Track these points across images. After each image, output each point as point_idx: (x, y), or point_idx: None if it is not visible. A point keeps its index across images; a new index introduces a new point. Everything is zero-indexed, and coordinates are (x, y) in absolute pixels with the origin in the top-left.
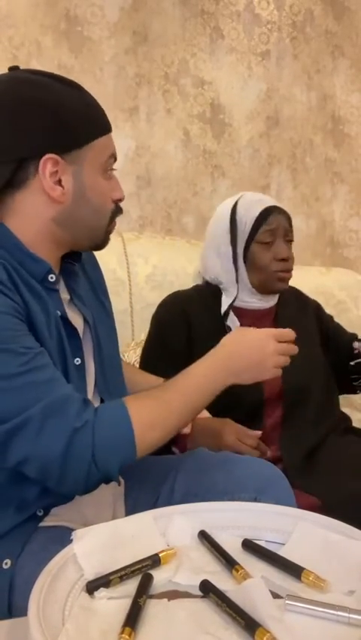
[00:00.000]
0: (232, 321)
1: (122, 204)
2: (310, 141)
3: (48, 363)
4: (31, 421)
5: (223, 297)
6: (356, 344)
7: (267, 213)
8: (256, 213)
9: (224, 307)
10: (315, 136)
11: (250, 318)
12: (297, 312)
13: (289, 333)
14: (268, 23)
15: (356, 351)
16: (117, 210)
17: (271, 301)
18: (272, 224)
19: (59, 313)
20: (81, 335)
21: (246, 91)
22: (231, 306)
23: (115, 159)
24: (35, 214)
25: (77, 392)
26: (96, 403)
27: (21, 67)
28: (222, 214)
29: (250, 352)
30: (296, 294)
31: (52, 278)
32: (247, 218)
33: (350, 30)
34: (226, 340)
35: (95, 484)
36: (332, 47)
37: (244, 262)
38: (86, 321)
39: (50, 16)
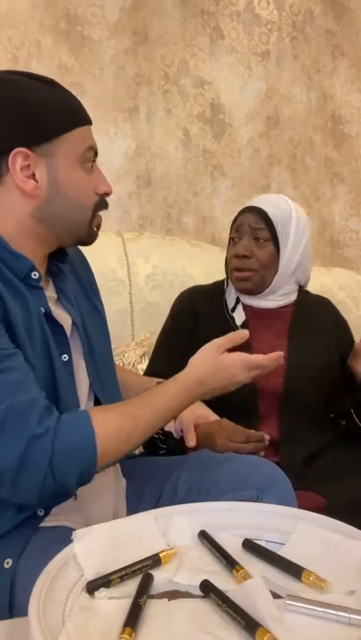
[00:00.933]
0: (239, 313)
1: (122, 204)
2: (310, 141)
3: (19, 365)
4: None
5: (227, 292)
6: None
7: (240, 212)
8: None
9: (229, 301)
10: (315, 136)
11: (261, 316)
12: (318, 317)
13: (266, 362)
14: (268, 23)
15: None
16: (101, 204)
17: (272, 301)
18: (237, 221)
19: (42, 310)
20: (68, 333)
21: (246, 91)
22: (238, 302)
23: (95, 153)
24: (13, 210)
25: (63, 389)
26: (91, 403)
27: (20, 68)
28: None
29: (220, 379)
30: (325, 303)
31: (35, 275)
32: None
33: (350, 30)
34: (197, 363)
35: (49, 496)
36: (332, 47)
37: None
38: (73, 321)
39: (50, 16)
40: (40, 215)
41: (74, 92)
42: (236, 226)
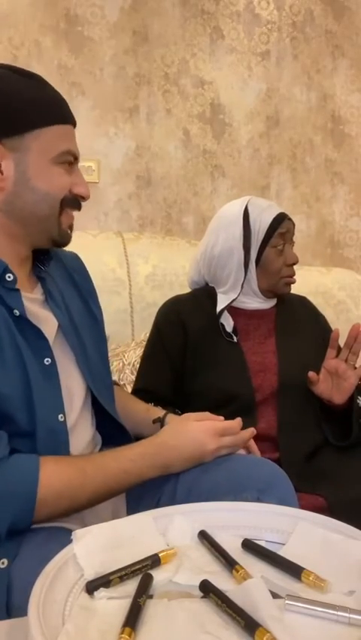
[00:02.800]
0: (226, 319)
1: (122, 204)
2: (310, 141)
3: None
4: None
5: (219, 298)
6: None
7: (280, 218)
8: (270, 219)
9: (220, 307)
10: (315, 136)
11: (247, 317)
12: (299, 314)
13: (234, 425)
14: (268, 23)
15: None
16: (72, 201)
17: (270, 302)
18: (283, 229)
19: (17, 313)
20: (52, 335)
21: (246, 91)
22: (226, 306)
23: (75, 158)
24: None
25: (44, 393)
26: (88, 406)
27: (20, 68)
28: (232, 219)
29: (188, 447)
30: (304, 301)
31: (9, 277)
32: (261, 223)
33: (350, 30)
34: (164, 431)
35: None
36: (332, 47)
37: (256, 266)
38: (60, 324)
39: (50, 16)
40: (8, 208)
41: (73, 92)
42: (283, 234)
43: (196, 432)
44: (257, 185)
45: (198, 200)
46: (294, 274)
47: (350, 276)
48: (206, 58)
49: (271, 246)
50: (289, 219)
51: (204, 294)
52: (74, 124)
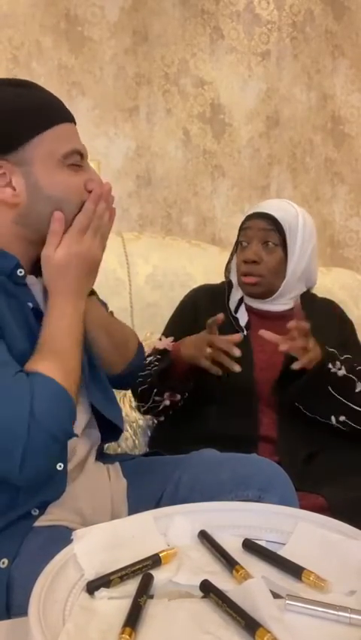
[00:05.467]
0: (242, 314)
1: (122, 204)
2: (310, 141)
3: None
4: None
5: (233, 292)
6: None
7: (250, 216)
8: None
9: (232, 302)
10: (315, 136)
11: (261, 317)
12: (321, 319)
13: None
14: (268, 23)
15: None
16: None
17: (277, 305)
18: (245, 225)
19: (30, 305)
20: None
21: (246, 91)
22: (242, 302)
23: (82, 155)
24: None
25: None
26: (84, 394)
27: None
28: None
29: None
30: (331, 306)
31: (20, 272)
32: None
33: (350, 30)
34: None
35: (41, 456)
36: (332, 47)
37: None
38: None
39: (50, 16)
40: (25, 221)
41: (73, 92)
42: (245, 230)
43: None
44: (257, 185)
45: (198, 200)
46: (249, 273)
47: (350, 276)
48: (206, 58)
49: (238, 242)
50: (263, 218)
51: (224, 289)
52: (72, 121)
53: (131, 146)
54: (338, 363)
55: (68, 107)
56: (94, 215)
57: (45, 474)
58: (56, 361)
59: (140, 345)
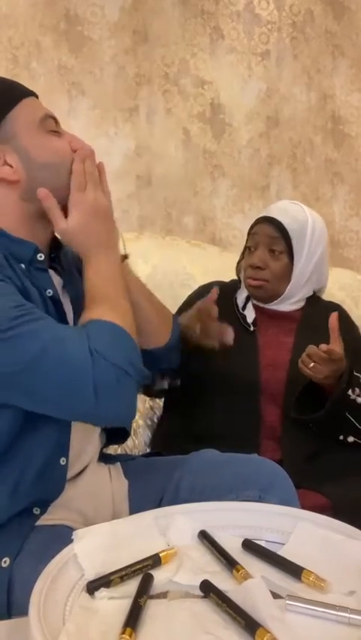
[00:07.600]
0: (249, 311)
1: (121, 204)
2: (310, 141)
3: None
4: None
5: (241, 290)
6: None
7: (257, 221)
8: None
9: (239, 300)
10: (315, 136)
11: (269, 316)
12: (324, 321)
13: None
14: (268, 23)
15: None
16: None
17: (284, 306)
18: (253, 230)
19: (50, 292)
20: (70, 320)
21: (246, 91)
22: (249, 300)
23: (55, 120)
24: (4, 202)
25: None
26: None
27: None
28: None
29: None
30: (338, 309)
31: (40, 257)
32: None
33: (350, 30)
34: None
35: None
36: (332, 47)
37: None
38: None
39: (49, 16)
40: (30, 195)
41: (73, 92)
42: (252, 235)
43: None
44: (257, 185)
45: (198, 200)
46: (256, 277)
47: (350, 276)
48: (206, 58)
49: (246, 246)
50: (270, 223)
51: (234, 286)
52: (35, 96)
53: (131, 146)
54: (357, 389)
55: (68, 106)
56: (86, 173)
57: (125, 416)
58: (104, 306)
59: (175, 315)
